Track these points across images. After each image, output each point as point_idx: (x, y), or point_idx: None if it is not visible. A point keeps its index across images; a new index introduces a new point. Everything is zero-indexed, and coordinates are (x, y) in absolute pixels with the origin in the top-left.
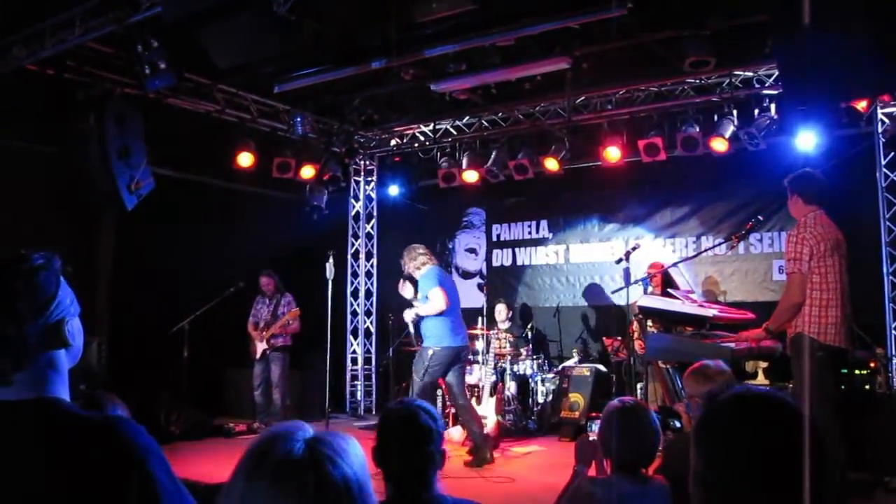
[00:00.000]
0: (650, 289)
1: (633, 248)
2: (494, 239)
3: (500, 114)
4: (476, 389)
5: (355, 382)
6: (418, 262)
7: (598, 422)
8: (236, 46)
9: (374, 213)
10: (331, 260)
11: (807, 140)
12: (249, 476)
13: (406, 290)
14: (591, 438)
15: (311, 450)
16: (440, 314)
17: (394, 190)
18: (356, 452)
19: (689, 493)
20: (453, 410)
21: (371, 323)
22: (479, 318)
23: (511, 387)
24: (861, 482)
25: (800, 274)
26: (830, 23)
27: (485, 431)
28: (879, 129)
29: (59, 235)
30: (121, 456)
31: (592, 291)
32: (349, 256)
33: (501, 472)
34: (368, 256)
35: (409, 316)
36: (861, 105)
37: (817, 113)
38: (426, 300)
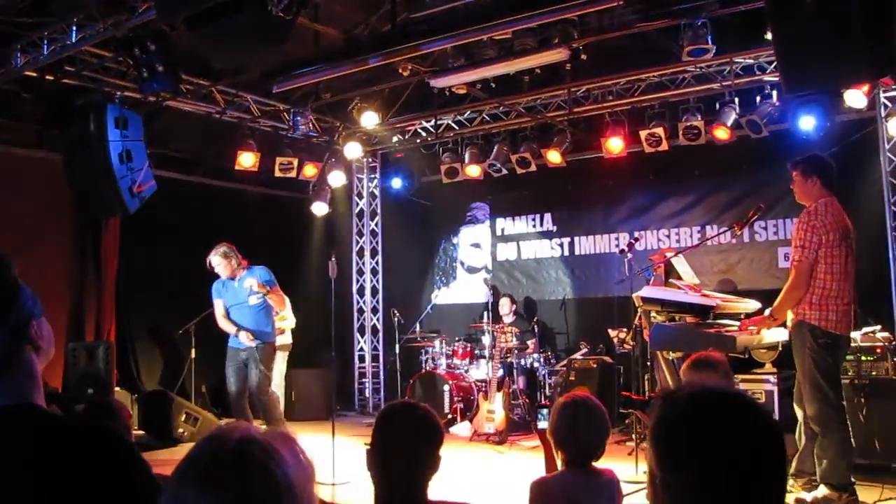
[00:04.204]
0: (652, 279)
1: (636, 240)
2: (499, 233)
3: (501, 108)
4: (483, 385)
5: (363, 380)
6: (239, 259)
7: (547, 411)
8: (232, 47)
9: (378, 210)
10: (333, 259)
11: (809, 126)
12: (180, 477)
13: (244, 337)
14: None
15: (240, 450)
16: (270, 311)
17: (397, 184)
18: (294, 454)
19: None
20: (461, 406)
21: (378, 320)
22: (485, 313)
23: (519, 381)
24: (868, 468)
25: (806, 262)
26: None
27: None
28: (882, 114)
29: (64, 241)
30: (100, 458)
31: (598, 283)
32: (354, 254)
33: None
34: (373, 253)
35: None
36: (863, 89)
37: (817, 99)
38: (261, 296)
